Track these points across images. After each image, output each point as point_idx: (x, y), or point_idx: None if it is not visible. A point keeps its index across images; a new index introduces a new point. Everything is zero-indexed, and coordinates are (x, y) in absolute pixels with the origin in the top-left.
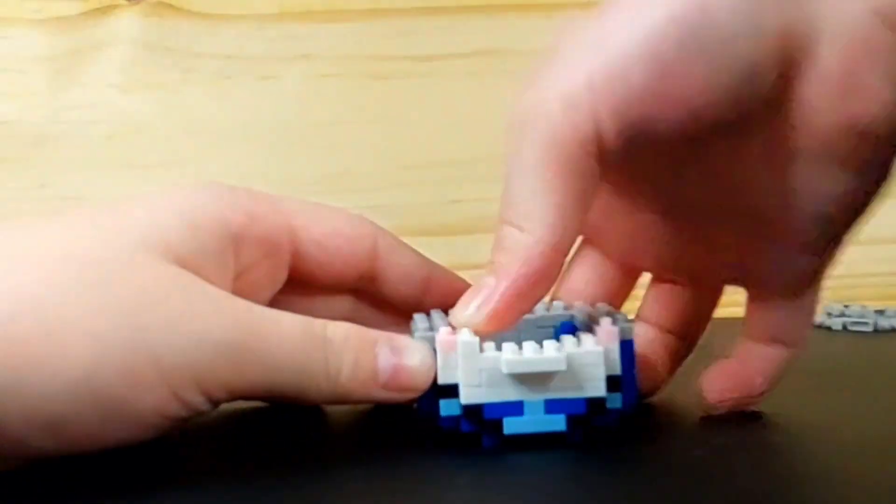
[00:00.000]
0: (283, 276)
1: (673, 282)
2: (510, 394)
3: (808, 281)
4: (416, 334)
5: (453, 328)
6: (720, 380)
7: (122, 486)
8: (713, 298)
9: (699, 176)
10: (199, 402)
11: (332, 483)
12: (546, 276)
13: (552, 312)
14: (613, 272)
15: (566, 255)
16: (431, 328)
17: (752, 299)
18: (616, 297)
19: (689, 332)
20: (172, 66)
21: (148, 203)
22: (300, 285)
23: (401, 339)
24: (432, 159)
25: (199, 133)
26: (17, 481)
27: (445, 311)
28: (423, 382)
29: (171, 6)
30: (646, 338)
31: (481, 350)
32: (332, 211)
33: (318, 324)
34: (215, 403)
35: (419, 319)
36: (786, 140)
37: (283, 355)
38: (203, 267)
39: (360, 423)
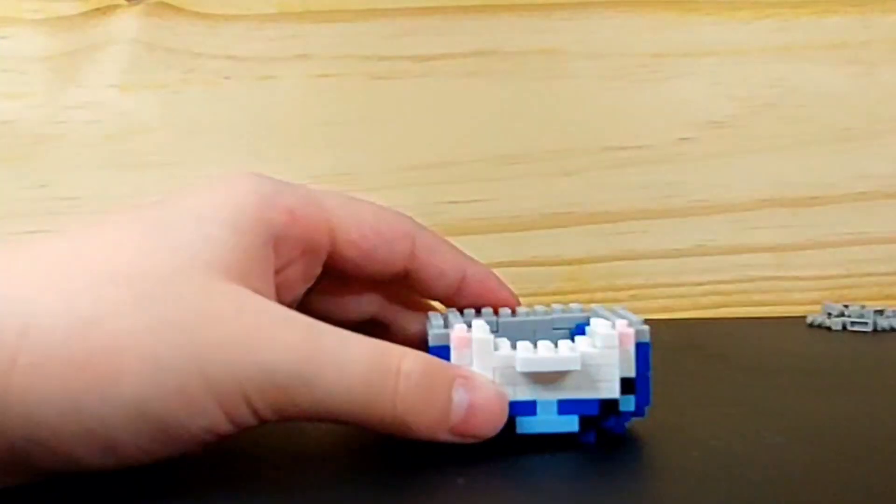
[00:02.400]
0: (317, 272)
1: None
2: (523, 393)
3: None
4: (431, 332)
5: (468, 326)
6: None
7: (119, 495)
8: None
9: None
10: (249, 420)
11: (334, 484)
12: None
13: (569, 314)
14: None
15: None
16: (446, 325)
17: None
18: None
19: None
20: (172, 66)
21: (196, 211)
22: (332, 281)
23: (476, 381)
24: (431, 159)
25: (199, 133)
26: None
27: (478, 310)
28: (493, 431)
29: (171, 6)
30: None
31: (496, 348)
32: (373, 210)
33: (394, 354)
34: (264, 421)
35: (433, 317)
36: None
37: (344, 386)
38: (250, 275)
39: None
